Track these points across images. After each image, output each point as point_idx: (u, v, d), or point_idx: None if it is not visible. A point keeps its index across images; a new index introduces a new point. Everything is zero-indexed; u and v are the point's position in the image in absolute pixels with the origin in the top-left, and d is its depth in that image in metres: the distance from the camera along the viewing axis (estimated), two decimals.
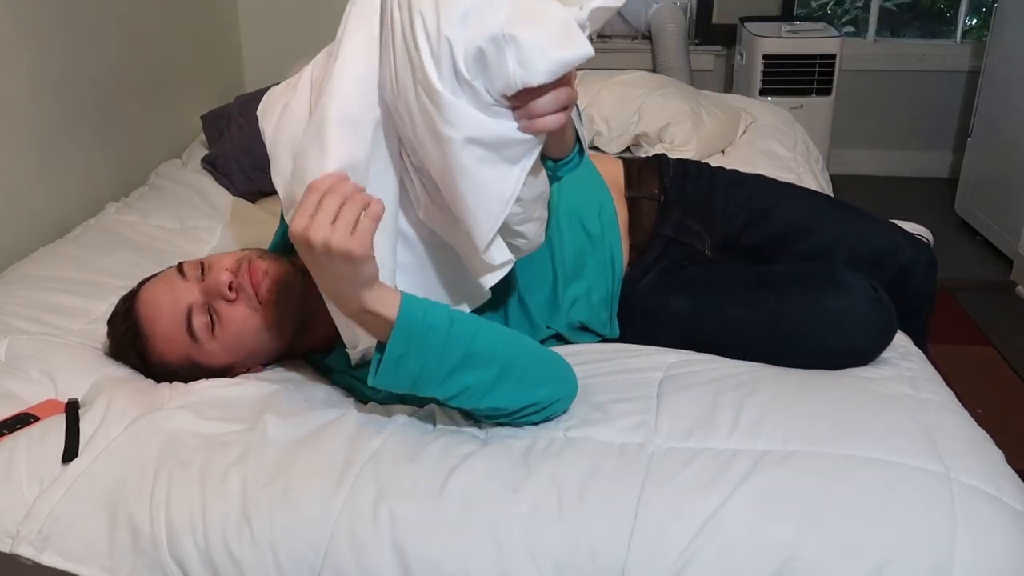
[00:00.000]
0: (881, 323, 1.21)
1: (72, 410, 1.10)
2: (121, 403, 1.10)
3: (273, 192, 2.06)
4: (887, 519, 0.91)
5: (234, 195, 2.03)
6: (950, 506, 0.91)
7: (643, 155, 1.71)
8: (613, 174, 1.47)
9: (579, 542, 0.92)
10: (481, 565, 0.92)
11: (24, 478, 1.02)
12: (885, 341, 1.22)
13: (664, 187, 1.47)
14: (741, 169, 1.60)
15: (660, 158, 1.54)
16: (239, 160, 2.06)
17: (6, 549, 0.97)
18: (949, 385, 1.18)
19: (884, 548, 0.89)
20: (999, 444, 1.05)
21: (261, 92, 2.24)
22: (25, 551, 0.97)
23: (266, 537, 0.95)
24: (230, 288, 1.14)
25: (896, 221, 1.55)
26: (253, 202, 2.02)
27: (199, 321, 1.14)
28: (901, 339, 1.29)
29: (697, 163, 1.58)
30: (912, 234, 1.48)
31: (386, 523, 0.94)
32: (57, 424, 1.08)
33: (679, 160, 1.56)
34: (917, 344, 1.31)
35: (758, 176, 1.56)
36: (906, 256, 1.41)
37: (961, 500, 0.92)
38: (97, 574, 0.96)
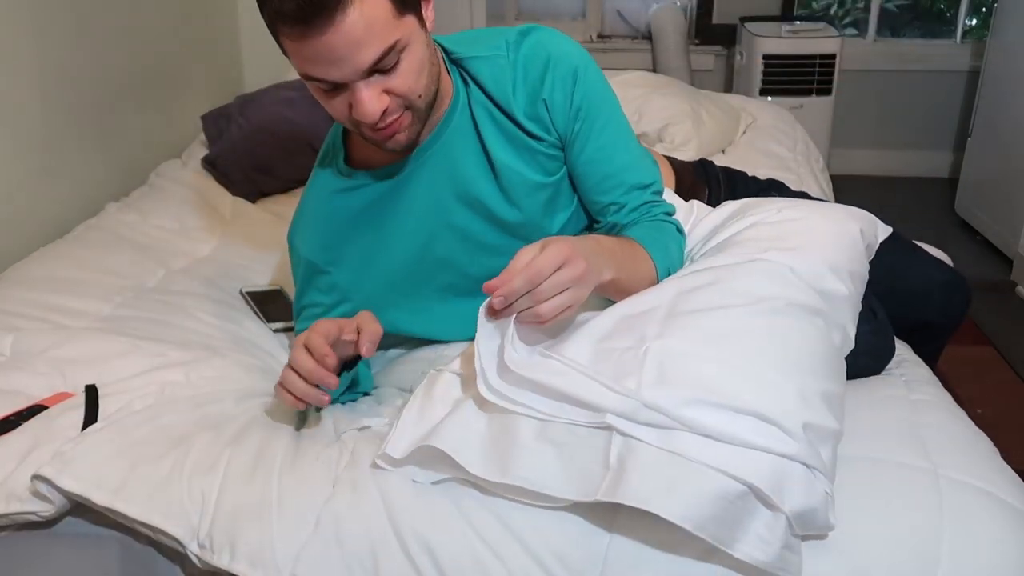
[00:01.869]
0: (878, 349, 1.22)
1: (91, 391, 1.13)
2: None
3: (272, 192, 2.07)
4: (872, 516, 0.91)
5: (234, 195, 2.03)
6: (937, 502, 0.92)
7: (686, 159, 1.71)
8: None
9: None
10: None
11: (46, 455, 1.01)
12: (880, 366, 1.23)
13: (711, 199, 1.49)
14: (739, 169, 1.60)
15: (706, 167, 1.54)
16: (239, 160, 2.06)
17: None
18: (949, 385, 1.18)
19: (870, 545, 0.89)
20: (999, 444, 1.06)
21: (261, 92, 2.25)
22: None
23: None
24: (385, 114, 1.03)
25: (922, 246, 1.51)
26: (253, 202, 2.02)
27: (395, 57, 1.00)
28: (899, 348, 1.29)
29: (743, 176, 1.59)
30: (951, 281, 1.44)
31: None
32: (74, 404, 1.10)
33: (727, 172, 1.56)
34: (927, 359, 1.31)
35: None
36: (934, 314, 1.42)
37: (949, 496, 0.92)
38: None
